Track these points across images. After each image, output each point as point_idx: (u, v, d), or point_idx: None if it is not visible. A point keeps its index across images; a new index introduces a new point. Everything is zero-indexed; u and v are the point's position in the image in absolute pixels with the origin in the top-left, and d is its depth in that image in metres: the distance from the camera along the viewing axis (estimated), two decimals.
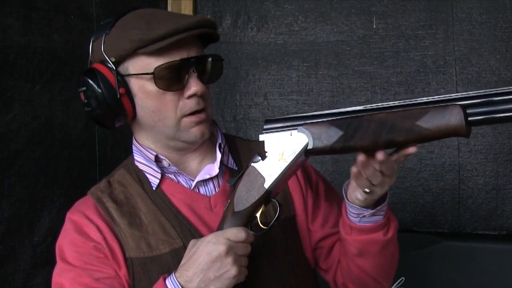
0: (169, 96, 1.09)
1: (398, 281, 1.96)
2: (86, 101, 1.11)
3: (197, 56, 1.10)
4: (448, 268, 1.99)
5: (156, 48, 1.05)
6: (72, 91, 1.77)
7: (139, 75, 1.08)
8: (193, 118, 1.11)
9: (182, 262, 1.02)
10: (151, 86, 1.08)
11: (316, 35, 2.28)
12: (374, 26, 2.21)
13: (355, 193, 1.05)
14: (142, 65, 1.08)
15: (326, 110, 1.01)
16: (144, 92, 1.09)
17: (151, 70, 1.07)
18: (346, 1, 2.24)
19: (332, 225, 1.22)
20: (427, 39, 2.16)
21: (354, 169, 1.00)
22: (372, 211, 1.06)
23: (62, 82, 1.73)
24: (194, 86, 1.09)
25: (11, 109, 1.55)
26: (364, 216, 1.07)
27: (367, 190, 1.01)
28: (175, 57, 1.07)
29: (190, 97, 1.09)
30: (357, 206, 1.06)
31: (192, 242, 1.04)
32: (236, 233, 1.01)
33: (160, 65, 1.07)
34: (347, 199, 1.08)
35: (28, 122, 1.61)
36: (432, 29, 2.15)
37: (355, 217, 1.08)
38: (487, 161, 2.11)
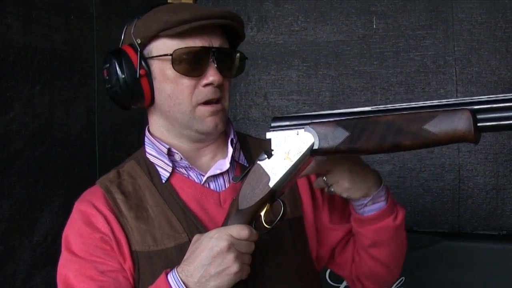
0: (186, 82, 1.10)
1: (398, 281, 1.96)
2: (107, 77, 1.14)
3: (218, 47, 1.12)
4: (448, 268, 1.99)
5: (178, 31, 1.08)
6: (72, 91, 1.77)
7: (160, 57, 1.10)
8: (208, 108, 1.11)
9: (185, 256, 1.02)
10: (170, 70, 1.10)
11: (316, 35, 2.29)
12: (374, 26, 2.21)
13: None
14: (164, 47, 1.10)
15: (336, 109, 1.00)
16: (163, 76, 1.11)
17: (171, 52, 1.09)
18: (346, 1, 2.24)
19: (348, 222, 1.22)
20: (427, 39, 2.16)
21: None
22: (369, 198, 1.09)
23: (62, 82, 1.73)
24: (211, 75, 1.10)
25: (11, 109, 1.55)
26: (366, 205, 1.10)
27: (330, 189, 1.09)
28: (197, 43, 1.10)
29: (206, 85, 1.11)
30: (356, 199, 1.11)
31: (196, 237, 1.04)
32: (239, 230, 1.00)
33: (180, 48, 1.09)
34: None
35: (28, 122, 1.61)
36: (432, 29, 2.15)
37: (360, 209, 1.11)
38: (487, 161, 2.11)
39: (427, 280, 1.98)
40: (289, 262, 1.15)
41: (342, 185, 1.08)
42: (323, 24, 2.28)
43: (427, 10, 2.16)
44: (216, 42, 1.12)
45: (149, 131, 1.20)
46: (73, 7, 1.78)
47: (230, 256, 0.98)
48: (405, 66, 2.18)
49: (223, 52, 1.12)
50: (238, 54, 1.16)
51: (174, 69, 1.09)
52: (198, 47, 1.10)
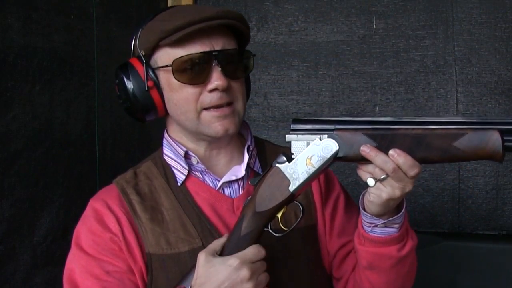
0: (191, 89, 1.08)
1: None
2: (119, 93, 1.12)
3: (220, 50, 1.07)
4: (448, 268, 1.99)
5: (175, 39, 1.05)
6: (72, 91, 1.77)
7: (164, 68, 1.08)
8: (214, 113, 1.09)
9: (198, 279, 0.98)
10: (174, 80, 1.08)
11: (316, 35, 2.29)
12: (374, 26, 2.21)
13: (366, 195, 1.01)
14: (166, 57, 1.08)
15: (360, 117, 0.99)
16: (169, 85, 1.09)
17: (170, 63, 1.07)
18: (346, 1, 2.24)
19: (348, 235, 1.19)
20: (427, 39, 2.16)
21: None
22: (383, 221, 1.02)
23: (62, 82, 1.73)
24: (215, 80, 1.07)
25: (11, 109, 1.55)
26: (376, 226, 1.03)
27: (371, 181, 0.96)
28: (198, 49, 1.06)
29: (212, 91, 1.08)
30: (369, 214, 1.02)
31: (203, 257, 0.99)
32: (256, 253, 0.99)
33: (179, 58, 1.06)
34: (363, 207, 1.04)
35: (28, 122, 1.61)
36: (432, 29, 2.15)
37: (368, 226, 1.04)
38: (487, 161, 2.11)
39: (427, 280, 1.98)
40: (301, 271, 1.14)
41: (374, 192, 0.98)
42: (323, 24, 2.28)
43: (427, 10, 2.16)
44: (218, 44, 1.08)
45: (168, 133, 1.18)
46: (73, 7, 1.78)
47: (251, 284, 0.97)
48: (405, 66, 2.18)
49: (227, 54, 1.08)
50: (244, 52, 1.12)
51: (175, 79, 1.07)
52: (198, 53, 1.06)
